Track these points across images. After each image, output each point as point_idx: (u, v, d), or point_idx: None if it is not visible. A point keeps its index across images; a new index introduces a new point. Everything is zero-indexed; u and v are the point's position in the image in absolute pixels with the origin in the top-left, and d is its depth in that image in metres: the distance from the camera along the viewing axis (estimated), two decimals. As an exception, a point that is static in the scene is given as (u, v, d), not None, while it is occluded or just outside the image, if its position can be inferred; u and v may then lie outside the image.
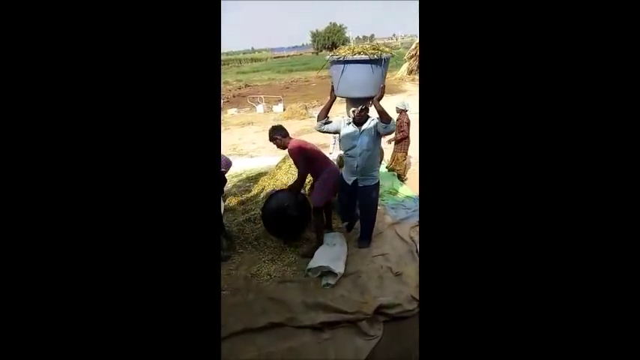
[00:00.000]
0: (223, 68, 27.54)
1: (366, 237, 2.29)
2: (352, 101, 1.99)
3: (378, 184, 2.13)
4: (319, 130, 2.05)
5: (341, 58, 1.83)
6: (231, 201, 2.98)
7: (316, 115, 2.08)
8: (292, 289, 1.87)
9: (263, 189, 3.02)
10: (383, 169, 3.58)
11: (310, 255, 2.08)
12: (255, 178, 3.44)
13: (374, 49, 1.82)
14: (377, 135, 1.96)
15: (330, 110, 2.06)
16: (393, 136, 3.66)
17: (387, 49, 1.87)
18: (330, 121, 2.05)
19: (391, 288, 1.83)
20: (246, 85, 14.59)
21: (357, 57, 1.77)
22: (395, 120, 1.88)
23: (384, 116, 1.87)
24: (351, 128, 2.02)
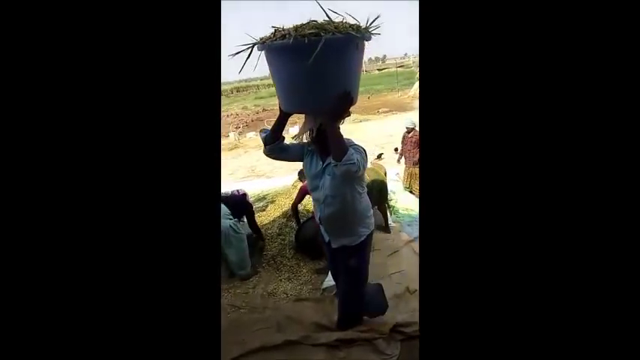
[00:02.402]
0: (242, 95, 28.82)
1: (342, 321, 1.57)
2: (310, 118, 1.23)
3: (363, 244, 1.37)
4: (269, 157, 1.32)
5: (259, 44, 1.03)
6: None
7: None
8: (308, 307, 1.88)
9: (280, 207, 3.10)
10: (400, 187, 3.57)
11: (325, 272, 2.10)
12: (272, 198, 3.53)
13: (317, 27, 0.95)
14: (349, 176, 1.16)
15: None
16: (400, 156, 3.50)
17: (346, 26, 0.98)
18: (286, 146, 1.32)
19: (407, 306, 1.80)
20: (264, 110, 15.20)
21: (278, 42, 0.98)
22: (353, 154, 1.11)
23: (334, 149, 1.11)
24: (314, 160, 1.32)
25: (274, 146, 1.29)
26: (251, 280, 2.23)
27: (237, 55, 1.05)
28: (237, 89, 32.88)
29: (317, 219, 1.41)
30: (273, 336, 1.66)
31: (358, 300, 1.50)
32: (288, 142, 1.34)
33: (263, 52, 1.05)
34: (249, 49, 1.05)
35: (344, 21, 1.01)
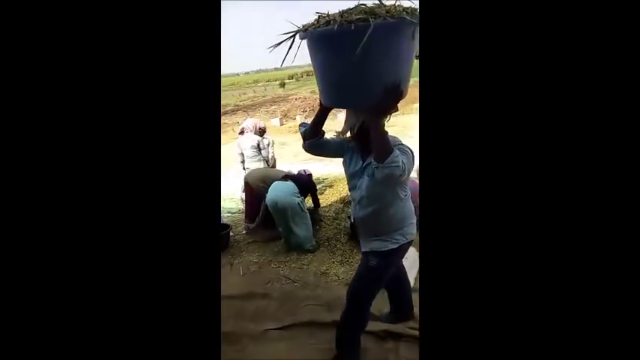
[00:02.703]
0: (312, 79, 29.34)
1: (346, 344, 1.40)
2: (352, 113, 1.14)
3: (394, 252, 1.22)
4: (309, 152, 1.24)
5: (302, 32, 0.95)
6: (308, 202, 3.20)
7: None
8: (358, 293, 1.90)
9: (338, 192, 3.14)
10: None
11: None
12: (330, 183, 3.59)
13: (365, 12, 0.85)
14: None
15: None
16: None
17: (399, 9, 0.87)
18: (326, 141, 1.23)
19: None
20: (331, 95, 15.23)
21: (321, 29, 0.89)
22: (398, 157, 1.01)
23: (377, 150, 1.00)
24: (354, 158, 1.21)
25: (314, 142, 1.21)
26: (306, 257, 2.34)
27: (284, 44, 0.97)
28: (308, 73, 33.57)
29: (351, 219, 1.37)
30: (322, 314, 1.74)
31: (359, 307, 1.33)
32: (328, 137, 1.26)
33: (305, 40, 0.97)
34: (292, 38, 0.97)
35: (397, 3, 0.88)
